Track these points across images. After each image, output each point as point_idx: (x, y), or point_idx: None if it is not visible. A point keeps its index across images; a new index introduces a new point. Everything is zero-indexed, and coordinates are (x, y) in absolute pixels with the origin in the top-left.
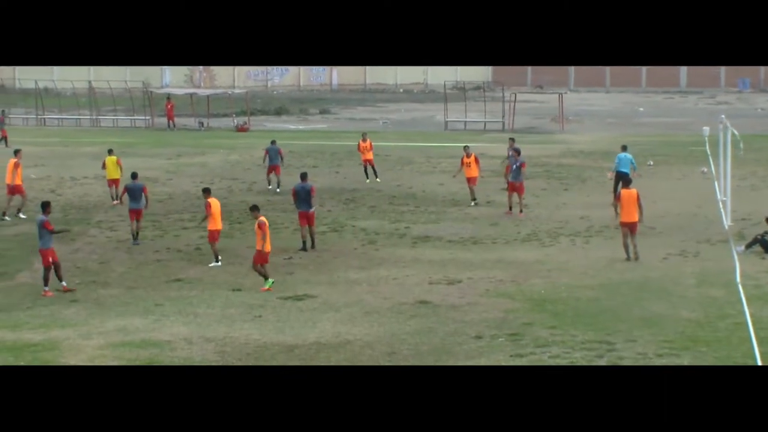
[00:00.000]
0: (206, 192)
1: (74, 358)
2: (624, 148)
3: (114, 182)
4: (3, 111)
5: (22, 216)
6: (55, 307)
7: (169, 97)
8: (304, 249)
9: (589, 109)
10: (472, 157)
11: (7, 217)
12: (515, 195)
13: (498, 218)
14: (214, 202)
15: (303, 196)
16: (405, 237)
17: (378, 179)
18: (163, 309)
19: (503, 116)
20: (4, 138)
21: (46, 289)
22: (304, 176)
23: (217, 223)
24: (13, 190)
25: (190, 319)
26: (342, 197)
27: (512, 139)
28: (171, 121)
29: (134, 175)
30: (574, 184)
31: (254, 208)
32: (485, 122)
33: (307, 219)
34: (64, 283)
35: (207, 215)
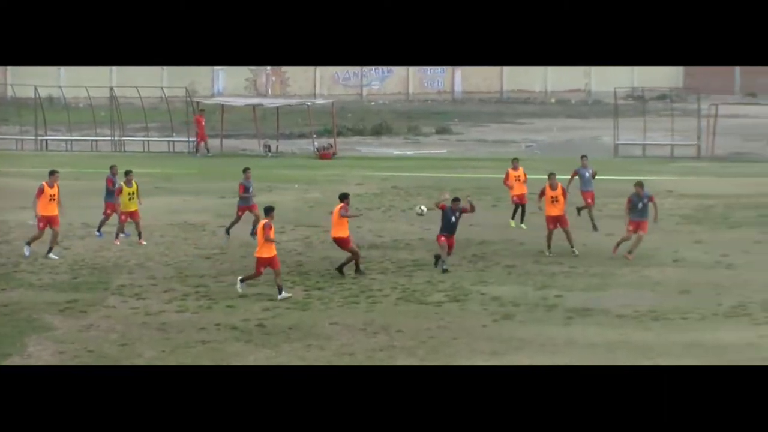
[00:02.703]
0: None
1: None
2: None
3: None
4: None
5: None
6: None
7: (202, 109)
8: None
9: None
10: (559, 189)
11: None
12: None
13: (692, 284)
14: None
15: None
16: (556, 309)
17: (523, 224)
18: None
19: (699, 137)
20: None
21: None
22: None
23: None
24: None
25: None
26: (467, 252)
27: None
28: (201, 143)
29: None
30: None
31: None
32: (672, 146)
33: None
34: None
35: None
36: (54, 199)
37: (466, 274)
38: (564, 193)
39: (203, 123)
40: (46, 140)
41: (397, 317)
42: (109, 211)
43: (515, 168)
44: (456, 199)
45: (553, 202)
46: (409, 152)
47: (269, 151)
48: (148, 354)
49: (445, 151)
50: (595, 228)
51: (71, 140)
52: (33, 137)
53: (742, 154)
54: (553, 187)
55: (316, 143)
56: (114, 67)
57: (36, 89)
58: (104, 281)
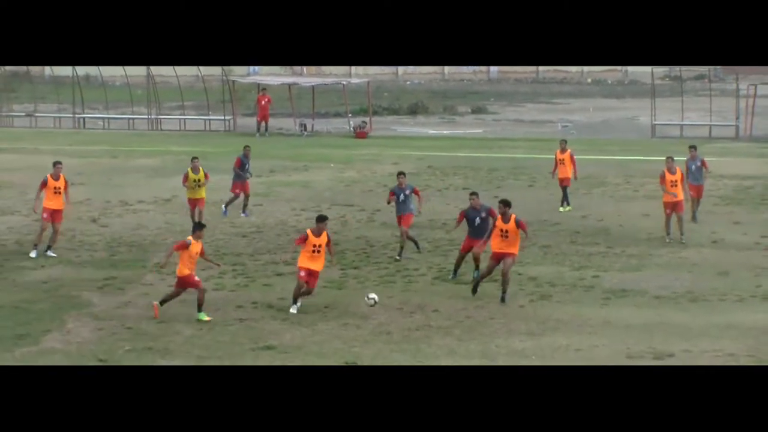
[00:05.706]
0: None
1: None
2: None
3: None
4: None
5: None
6: None
7: (264, 89)
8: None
9: None
10: (678, 174)
11: (50, 252)
12: None
13: (730, 266)
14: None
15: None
16: (593, 290)
17: (569, 207)
18: None
19: (737, 118)
20: None
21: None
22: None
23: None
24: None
25: None
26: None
27: None
28: (263, 123)
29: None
30: None
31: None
32: (711, 126)
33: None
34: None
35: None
36: (59, 192)
37: None
38: (682, 179)
39: (264, 102)
40: (84, 118)
41: (433, 297)
42: (237, 191)
43: (563, 150)
44: (474, 194)
45: (672, 186)
46: (445, 131)
47: (305, 130)
48: (187, 332)
49: (480, 131)
50: (694, 219)
51: (108, 118)
52: (71, 115)
53: None
54: (672, 171)
55: (351, 122)
56: None
57: (74, 68)
58: (141, 259)
